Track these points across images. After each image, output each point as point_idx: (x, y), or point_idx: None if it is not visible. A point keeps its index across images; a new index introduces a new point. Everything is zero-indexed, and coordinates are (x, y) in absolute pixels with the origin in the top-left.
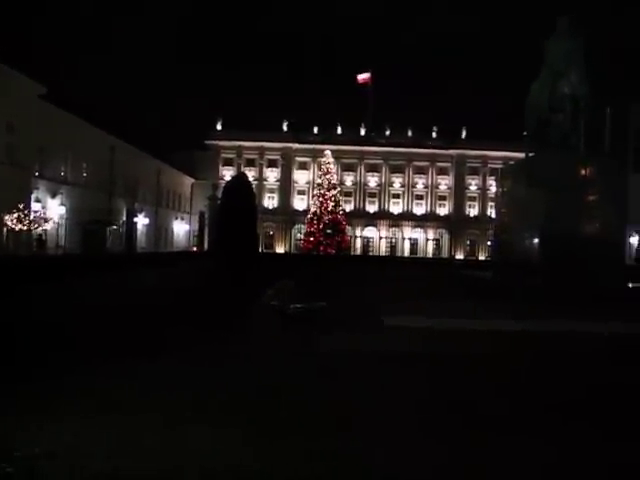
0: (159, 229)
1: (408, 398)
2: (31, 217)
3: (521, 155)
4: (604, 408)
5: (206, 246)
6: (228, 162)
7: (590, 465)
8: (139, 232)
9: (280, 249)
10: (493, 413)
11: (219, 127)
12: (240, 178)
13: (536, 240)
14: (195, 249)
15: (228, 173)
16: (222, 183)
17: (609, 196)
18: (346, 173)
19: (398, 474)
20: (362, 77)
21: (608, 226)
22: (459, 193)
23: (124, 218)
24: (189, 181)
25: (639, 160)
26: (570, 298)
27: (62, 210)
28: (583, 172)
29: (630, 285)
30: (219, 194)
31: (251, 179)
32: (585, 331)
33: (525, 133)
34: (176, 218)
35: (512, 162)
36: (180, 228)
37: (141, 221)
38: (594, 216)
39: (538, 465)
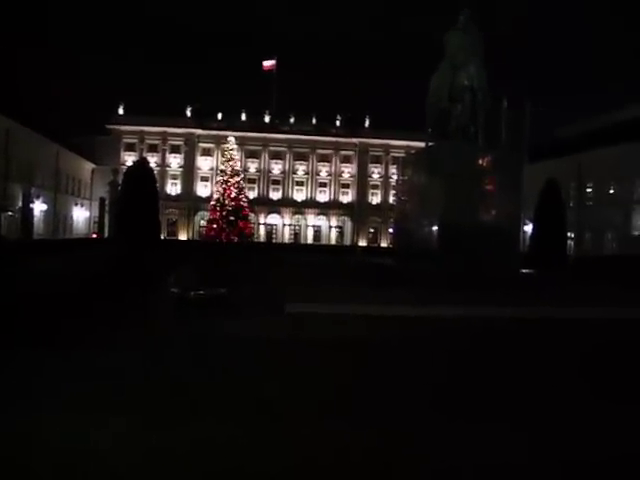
0: (58, 215)
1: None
2: None
3: (422, 145)
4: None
5: (107, 233)
6: (130, 147)
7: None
8: (36, 218)
9: (183, 236)
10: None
11: (121, 111)
12: (142, 164)
13: (435, 228)
14: (95, 236)
15: (130, 159)
16: (124, 169)
17: (505, 186)
18: (250, 160)
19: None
20: (267, 64)
21: (504, 214)
22: (362, 181)
23: (20, 204)
24: (89, 166)
25: (534, 151)
26: (467, 284)
27: None
28: (480, 162)
29: (524, 271)
30: (120, 180)
31: (153, 165)
32: (476, 315)
33: (426, 123)
34: (76, 204)
35: (413, 151)
36: (80, 214)
37: (38, 207)
38: (491, 205)
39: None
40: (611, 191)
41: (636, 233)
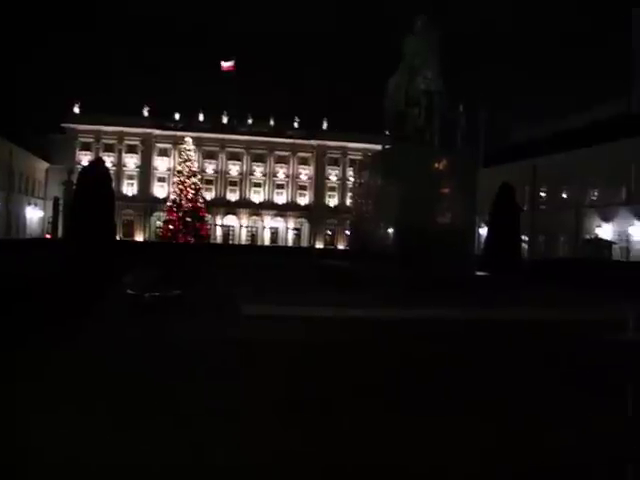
0: (9, 215)
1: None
2: None
3: (379, 147)
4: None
5: (61, 233)
6: (86, 147)
7: None
8: None
9: (139, 237)
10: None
11: (77, 110)
12: (97, 163)
13: (391, 230)
14: (49, 236)
15: (85, 158)
16: (79, 168)
17: (460, 189)
18: (207, 161)
19: None
20: (226, 65)
21: (459, 217)
22: (319, 183)
23: None
24: (44, 165)
25: (490, 155)
26: (422, 286)
27: None
28: (436, 165)
29: (478, 273)
30: (75, 180)
31: (110, 165)
32: (430, 318)
33: (383, 126)
34: (29, 204)
35: (370, 154)
36: (34, 214)
37: None
38: (446, 208)
39: None
40: (564, 195)
41: (587, 236)
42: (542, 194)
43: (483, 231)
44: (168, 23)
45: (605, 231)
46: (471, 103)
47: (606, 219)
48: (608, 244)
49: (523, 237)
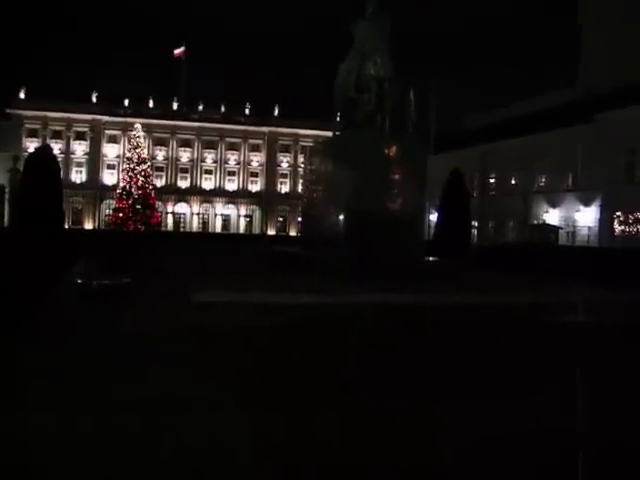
0: None
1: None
2: None
3: (330, 134)
4: None
5: (7, 222)
6: (32, 133)
7: None
8: None
9: (89, 225)
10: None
11: (22, 95)
12: (44, 150)
13: (341, 216)
14: None
15: (32, 145)
16: (25, 155)
17: (411, 175)
18: (158, 148)
19: None
20: (178, 51)
21: (409, 203)
22: (271, 170)
23: None
24: None
25: (441, 141)
26: (372, 271)
27: None
28: (387, 151)
29: (428, 259)
30: (21, 167)
31: (57, 152)
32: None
33: (334, 112)
34: None
35: (322, 140)
36: None
37: None
38: (396, 193)
39: None
40: (512, 181)
41: (534, 222)
42: (491, 180)
43: (433, 217)
44: (119, 9)
45: (552, 216)
46: (421, 90)
47: (553, 205)
48: (555, 229)
49: (473, 223)
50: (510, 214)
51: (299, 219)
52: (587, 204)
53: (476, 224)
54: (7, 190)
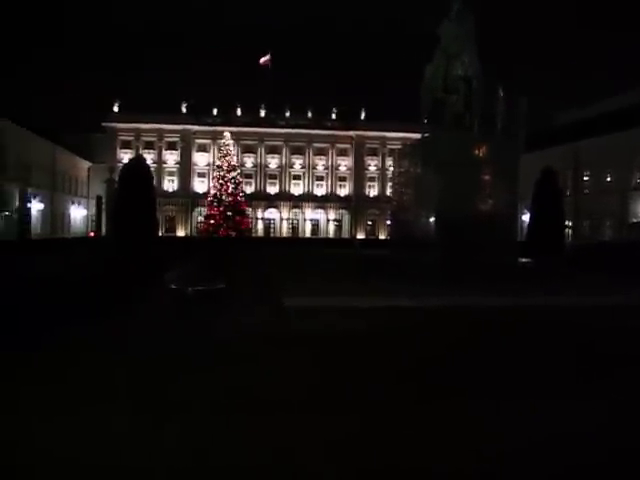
0: (55, 214)
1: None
2: None
3: (418, 136)
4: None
5: (104, 231)
6: (126, 145)
7: None
8: (34, 218)
9: (181, 232)
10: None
11: (116, 109)
12: (138, 161)
13: (432, 219)
14: (93, 234)
15: (126, 156)
16: (120, 166)
17: (502, 174)
18: (246, 155)
19: None
20: (263, 59)
21: (501, 203)
22: (359, 174)
23: (17, 204)
24: (86, 164)
25: (531, 140)
26: (466, 274)
27: None
28: (477, 151)
29: (522, 260)
30: (117, 177)
31: (150, 162)
32: (471, 305)
33: (421, 114)
34: (73, 203)
35: (409, 143)
36: (77, 213)
37: (35, 206)
38: (487, 194)
39: None
40: (608, 179)
41: (633, 220)
42: (585, 178)
43: (526, 217)
44: (204, 21)
45: None
46: (510, 88)
47: None
48: None
49: (567, 222)
50: (606, 212)
51: (388, 222)
52: None
53: (570, 223)
54: (104, 200)
